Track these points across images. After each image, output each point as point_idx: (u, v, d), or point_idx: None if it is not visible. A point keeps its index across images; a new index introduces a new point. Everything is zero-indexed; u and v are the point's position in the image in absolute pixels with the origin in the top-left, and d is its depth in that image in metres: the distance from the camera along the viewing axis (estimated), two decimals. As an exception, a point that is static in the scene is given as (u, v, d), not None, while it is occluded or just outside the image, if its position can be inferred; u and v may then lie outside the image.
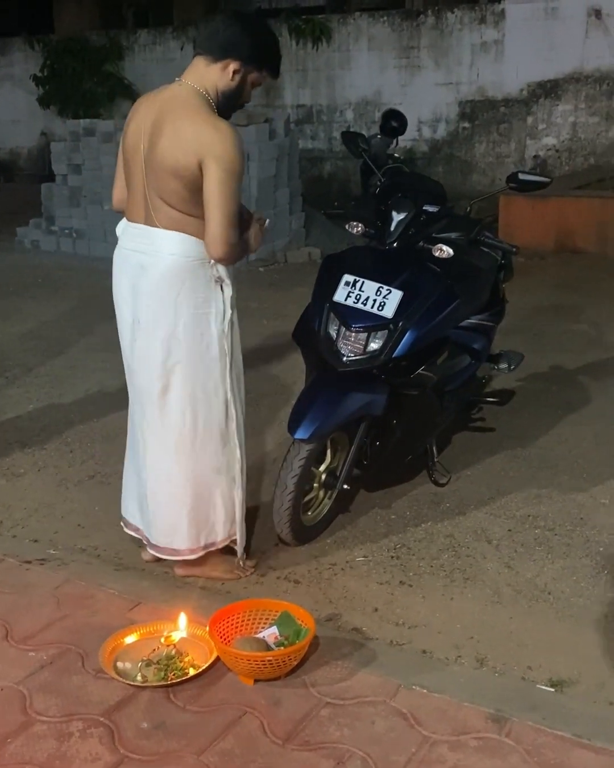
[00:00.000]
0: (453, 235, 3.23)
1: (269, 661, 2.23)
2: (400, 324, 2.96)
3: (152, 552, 2.85)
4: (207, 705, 2.19)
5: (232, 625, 2.42)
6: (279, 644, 2.34)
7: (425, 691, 2.24)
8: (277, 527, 2.98)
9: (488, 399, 3.88)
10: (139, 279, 2.59)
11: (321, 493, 3.14)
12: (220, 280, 2.58)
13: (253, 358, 4.36)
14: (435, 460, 3.51)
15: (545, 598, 2.80)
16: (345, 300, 3.03)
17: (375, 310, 2.98)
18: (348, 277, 3.06)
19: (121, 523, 3.04)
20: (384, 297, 2.98)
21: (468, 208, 3.57)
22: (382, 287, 3.00)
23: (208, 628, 2.36)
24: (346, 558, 3.03)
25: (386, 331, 2.97)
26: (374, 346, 2.98)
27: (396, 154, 3.63)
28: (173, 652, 2.35)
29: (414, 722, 2.12)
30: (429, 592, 2.84)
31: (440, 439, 3.62)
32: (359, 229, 3.28)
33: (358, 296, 3.01)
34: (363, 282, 3.03)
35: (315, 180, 10.76)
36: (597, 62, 9.65)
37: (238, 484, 2.79)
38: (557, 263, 7.45)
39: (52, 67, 12.92)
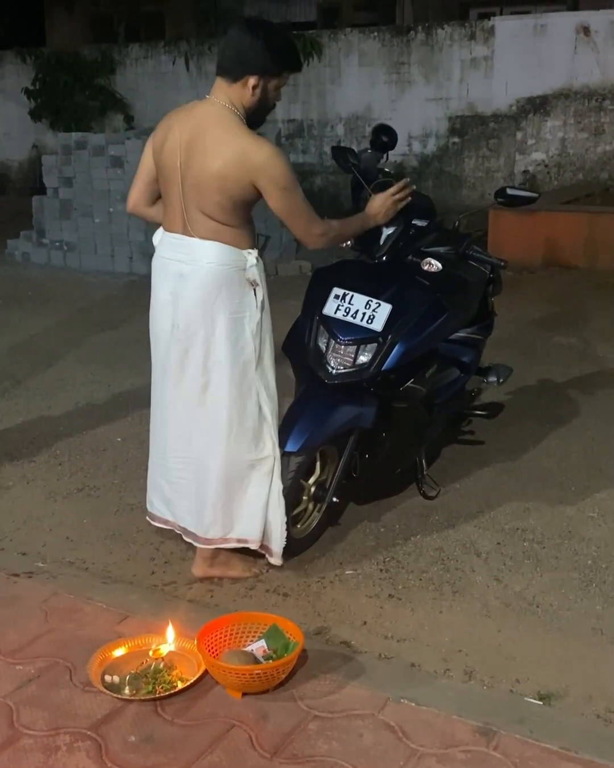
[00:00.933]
0: (442, 249, 3.25)
1: (257, 674, 2.23)
2: (389, 337, 2.97)
3: (188, 539, 2.92)
4: (195, 718, 2.18)
5: (220, 638, 2.41)
6: (267, 657, 2.34)
7: (413, 704, 2.23)
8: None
9: (477, 412, 3.89)
10: (179, 286, 2.73)
11: (311, 506, 3.14)
12: (254, 284, 2.72)
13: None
14: (425, 473, 3.52)
15: (533, 611, 2.80)
16: (335, 313, 3.05)
17: (364, 323, 2.99)
18: (337, 291, 3.07)
19: (148, 518, 3.08)
20: (373, 310, 3.00)
21: (457, 223, 3.59)
22: (371, 300, 3.01)
23: (196, 642, 2.35)
24: (335, 571, 3.03)
25: (375, 344, 2.98)
26: (363, 359, 2.99)
27: (386, 169, 3.64)
28: (161, 665, 2.34)
29: (402, 735, 2.12)
30: (418, 605, 2.84)
31: (429, 451, 3.63)
32: (348, 243, 3.30)
33: (348, 309, 3.03)
34: (352, 295, 3.04)
35: (306, 194, 10.71)
36: (585, 78, 9.75)
37: (272, 482, 2.85)
38: (545, 277, 7.49)
39: (43, 81, 12.96)
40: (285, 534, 2.88)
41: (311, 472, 3.09)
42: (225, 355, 2.72)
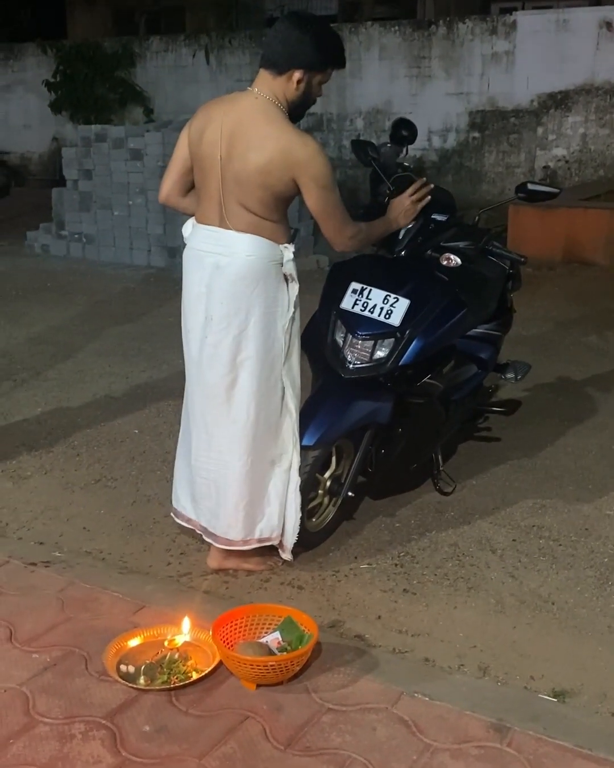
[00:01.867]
0: (461, 244, 3.24)
1: (271, 666, 2.24)
2: (407, 332, 2.96)
3: (208, 539, 2.92)
4: (209, 709, 2.19)
5: (235, 629, 2.42)
6: (281, 649, 2.35)
7: (427, 699, 2.23)
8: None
9: (494, 408, 3.88)
10: (215, 278, 2.69)
11: (326, 500, 3.14)
12: (289, 278, 2.71)
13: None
14: (441, 468, 3.51)
15: (548, 609, 2.79)
16: (353, 307, 3.04)
17: (382, 318, 2.99)
18: (355, 285, 3.07)
19: (172, 514, 3.10)
20: (391, 305, 2.99)
21: (477, 218, 3.57)
22: (389, 295, 3.00)
23: (211, 633, 2.37)
24: (350, 565, 3.03)
25: (393, 339, 2.97)
26: (380, 353, 2.98)
27: (405, 163, 3.62)
28: (176, 655, 2.36)
29: (415, 730, 2.12)
30: (433, 600, 2.84)
31: (445, 447, 3.62)
32: (372, 242, 3.29)
33: (365, 304, 3.02)
34: (370, 290, 3.03)
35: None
36: (607, 74, 9.68)
37: (291, 478, 2.85)
38: (565, 274, 7.45)
39: (64, 73, 13.00)
40: (298, 529, 2.88)
41: (327, 467, 3.09)
42: (255, 350, 2.70)
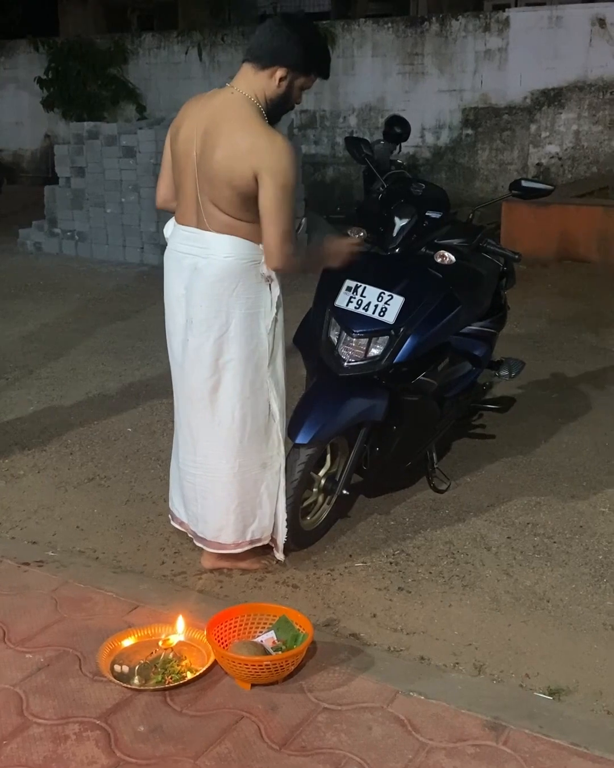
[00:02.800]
0: (455, 241, 3.23)
1: (266, 665, 2.23)
2: (401, 330, 2.96)
3: (198, 544, 2.91)
4: (204, 709, 2.19)
5: (229, 629, 2.41)
6: (276, 649, 2.34)
7: (422, 697, 2.23)
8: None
9: (488, 406, 3.88)
10: (193, 280, 2.66)
11: (321, 498, 3.13)
12: (269, 279, 2.66)
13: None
14: (435, 466, 3.51)
15: (544, 606, 2.79)
16: (347, 305, 3.03)
17: (376, 316, 2.98)
18: (350, 283, 3.06)
19: (169, 516, 3.09)
20: (385, 303, 2.98)
21: (471, 215, 3.57)
22: (384, 293, 3.00)
23: (205, 632, 2.36)
24: (345, 563, 3.03)
25: (387, 336, 2.97)
26: (375, 351, 2.98)
27: (399, 160, 3.62)
28: (171, 655, 2.35)
29: (411, 729, 2.11)
30: (428, 598, 2.83)
31: (440, 445, 3.62)
32: (361, 234, 3.28)
33: (360, 302, 3.01)
34: (364, 287, 3.03)
35: (318, 185, 10.76)
36: (600, 71, 9.68)
37: (280, 479, 2.83)
38: (559, 271, 7.45)
39: (56, 70, 12.94)
40: (286, 528, 2.87)
41: (321, 465, 3.09)
42: (238, 352, 2.66)
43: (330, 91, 11.18)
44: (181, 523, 3.01)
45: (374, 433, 3.14)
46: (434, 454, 3.50)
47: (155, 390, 4.63)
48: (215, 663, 2.32)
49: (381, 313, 2.97)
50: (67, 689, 2.24)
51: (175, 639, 2.41)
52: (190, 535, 2.97)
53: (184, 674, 2.29)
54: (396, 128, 3.58)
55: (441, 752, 2.04)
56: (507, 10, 10.27)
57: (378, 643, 2.58)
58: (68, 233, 8.42)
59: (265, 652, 2.31)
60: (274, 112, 2.62)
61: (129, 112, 12.74)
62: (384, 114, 10.30)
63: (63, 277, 7.52)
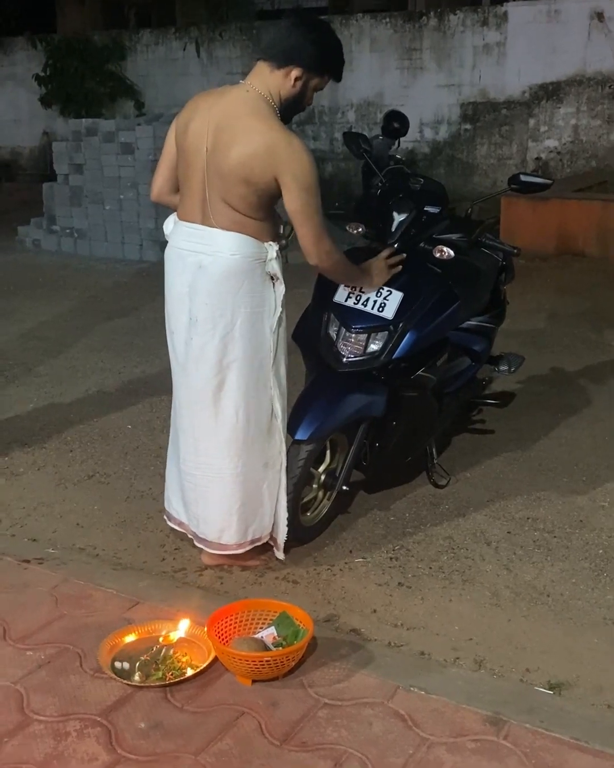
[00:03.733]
0: (454, 236, 3.23)
1: (267, 661, 2.23)
2: (400, 325, 2.96)
3: (199, 545, 2.89)
4: (204, 705, 2.19)
5: (230, 625, 2.41)
6: (277, 645, 2.34)
7: (423, 692, 2.23)
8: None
9: (488, 401, 3.88)
10: (198, 278, 2.62)
11: (321, 494, 3.13)
12: (274, 278, 2.64)
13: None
14: (435, 461, 3.51)
15: (544, 601, 2.79)
16: (346, 301, 3.03)
17: (375, 311, 2.98)
18: (348, 278, 3.05)
19: (164, 517, 3.08)
20: (384, 298, 2.98)
21: (470, 210, 3.57)
22: (383, 288, 2.99)
23: (206, 628, 2.36)
24: (345, 559, 3.03)
25: (386, 332, 2.96)
26: (374, 347, 2.98)
27: (397, 156, 3.61)
28: (171, 652, 2.35)
29: (412, 724, 2.11)
30: (428, 593, 2.83)
31: (439, 440, 3.62)
32: (360, 230, 3.28)
33: (359, 297, 3.01)
34: (363, 283, 3.02)
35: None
36: (598, 65, 9.66)
37: (281, 478, 2.83)
38: (558, 266, 7.45)
39: (54, 67, 12.91)
40: (287, 528, 2.86)
41: (321, 461, 3.08)
42: (243, 351, 2.64)
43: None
44: (179, 524, 3.00)
45: (373, 428, 3.14)
46: (434, 450, 3.50)
47: (155, 387, 4.63)
48: (216, 659, 2.32)
49: (380, 309, 2.97)
50: (67, 686, 2.24)
51: (175, 635, 2.41)
52: (189, 536, 2.96)
53: (185, 671, 2.29)
54: (395, 123, 3.57)
55: (442, 747, 2.04)
56: (505, 4, 10.23)
57: (379, 639, 2.58)
58: (67, 230, 8.41)
59: (266, 648, 2.31)
60: (288, 111, 2.62)
61: (127, 108, 12.72)
62: (383, 109, 10.29)
63: (62, 274, 7.51)
